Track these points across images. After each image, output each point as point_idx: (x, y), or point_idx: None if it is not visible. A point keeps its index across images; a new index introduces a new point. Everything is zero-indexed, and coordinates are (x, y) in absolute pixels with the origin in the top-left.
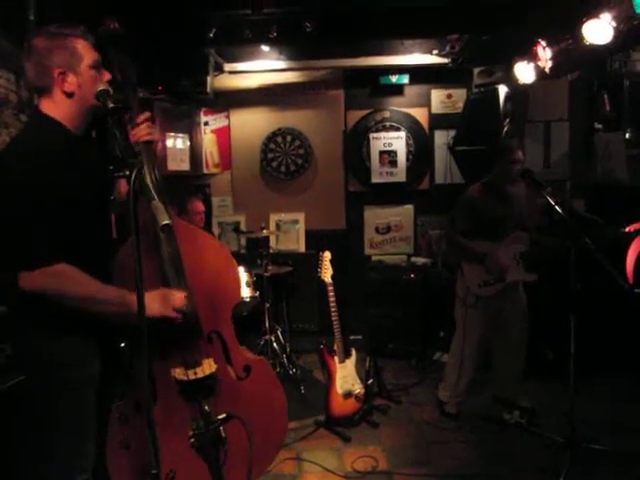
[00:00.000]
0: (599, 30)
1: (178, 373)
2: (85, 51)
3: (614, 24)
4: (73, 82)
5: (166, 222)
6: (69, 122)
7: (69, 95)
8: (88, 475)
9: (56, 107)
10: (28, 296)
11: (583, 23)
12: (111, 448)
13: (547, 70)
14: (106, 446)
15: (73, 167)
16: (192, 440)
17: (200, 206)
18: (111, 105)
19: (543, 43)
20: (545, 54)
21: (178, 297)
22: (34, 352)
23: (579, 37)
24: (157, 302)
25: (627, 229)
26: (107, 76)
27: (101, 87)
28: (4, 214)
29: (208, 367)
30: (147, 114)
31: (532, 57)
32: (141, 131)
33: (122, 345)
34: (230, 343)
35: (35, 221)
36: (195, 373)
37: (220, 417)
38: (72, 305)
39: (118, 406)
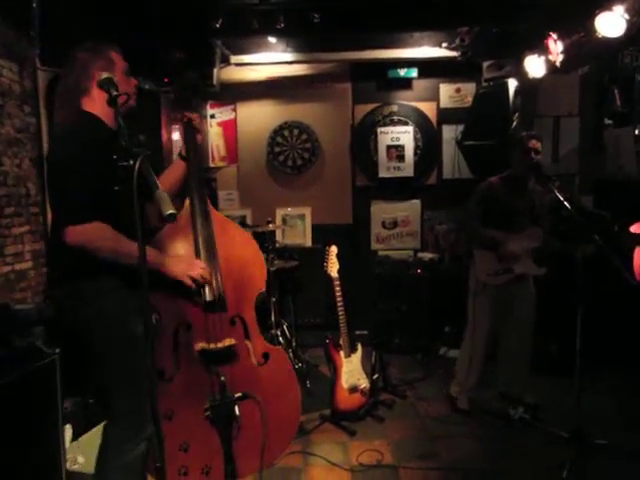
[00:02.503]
0: (612, 23)
1: (202, 345)
2: (117, 59)
3: (627, 16)
4: None
5: (170, 212)
6: (106, 116)
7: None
8: (147, 434)
9: (94, 104)
10: (81, 256)
11: (596, 15)
12: None
13: (558, 64)
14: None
15: (107, 155)
16: (207, 413)
17: None
18: (114, 93)
19: (554, 36)
20: (556, 47)
21: (197, 265)
22: (90, 314)
23: (591, 30)
24: (180, 265)
25: (631, 228)
26: (134, 82)
27: (104, 75)
28: (57, 186)
29: (229, 341)
30: (198, 115)
31: (543, 50)
32: (194, 115)
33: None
34: (251, 329)
35: (78, 190)
36: (216, 345)
37: (236, 395)
38: (103, 257)
39: None
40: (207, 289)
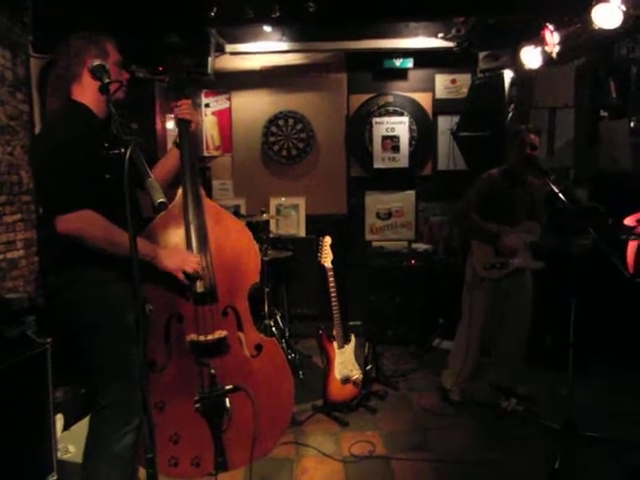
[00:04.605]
0: (608, 14)
1: (192, 337)
2: (112, 50)
3: (624, 8)
4: None
5: (161, 200)
6: (95, 105)
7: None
8: (135, 425)
9: (85, 91)
10: (73, 246)
11: (592, 7)
12: None
13: (554, 55)
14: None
15: (96, 145)
16: (197, 405)
17: None
18: (107, 80)
19: (551, 27)
20: (553, 38)
21: (193, 260)
22: (78, 302)
23: (588, 21)
24: (173, 258)
25: (626, 221)
26: (126, 75)
27: (96, 62)
28: (45, 177)
29: (219, 334)
30: (189, 100)
31: (539, 41)
32: (181, 110)
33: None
34: (244, 320)
35: (67, 180)
36: (205, 337)
37: (228, 387)
38: (95, 247)
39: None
40: (198, 281)
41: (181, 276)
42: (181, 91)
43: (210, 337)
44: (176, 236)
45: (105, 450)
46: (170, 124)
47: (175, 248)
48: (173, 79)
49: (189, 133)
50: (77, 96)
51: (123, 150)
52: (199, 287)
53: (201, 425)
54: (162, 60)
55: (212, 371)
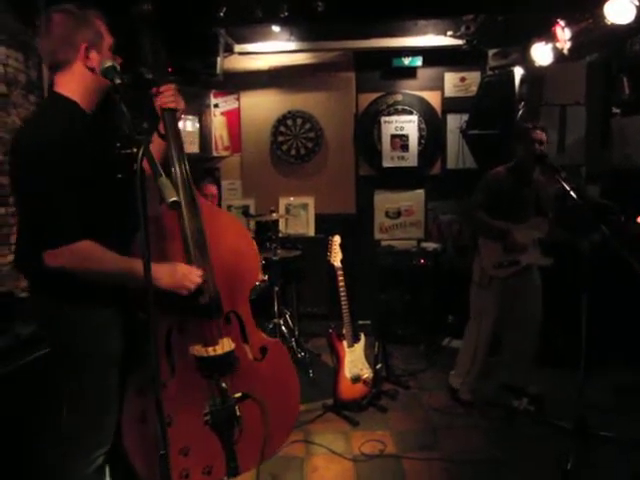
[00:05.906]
0: (621, 9)
1: (197, 350)
2: (104, 31)
3: (637, 2)
4: (95, 58)
5: (173, 199)
6: (83, 98)
7: (91, 69)
8: (107, 449)
9: (72, 82)
10: (57, 274)
11: (605, 1)
12: (126, 420)
13: (565, 51)
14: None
15: (86, 147)
16: (207, 417)
17: (213, 189)
18: (118, 81)
19: (562, 23)
20: (564, 34)
21: (194, 273)
22: (59, 327)
23: (600, 16)
24: (168, 275)
25: (639, 219)
26: (119, 60)
27: (108, 63)
28: (26, 195)
29: (227, 345)
30: (172, 85)
31: (550, 38)
32: (164, 97)
33: (140, 316)
34: (247, 324)
35: (53, 201)
36: (214, 350)
37: (236, 396)
38: (92, 279)
39: (134, 377)
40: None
41: (185, 294)
42: (163, 75)
43: (219, 350)
44: (170, 243)
45: (73, 474)
46: (179, 123)
47: (174, 263)
48: (151, 58)
49: (175, 123)
50: (61, 87)
51: (135, 150)
52: (202, 298)
53: (211, 435)
54: (135, 35)
55: (223, 385)
